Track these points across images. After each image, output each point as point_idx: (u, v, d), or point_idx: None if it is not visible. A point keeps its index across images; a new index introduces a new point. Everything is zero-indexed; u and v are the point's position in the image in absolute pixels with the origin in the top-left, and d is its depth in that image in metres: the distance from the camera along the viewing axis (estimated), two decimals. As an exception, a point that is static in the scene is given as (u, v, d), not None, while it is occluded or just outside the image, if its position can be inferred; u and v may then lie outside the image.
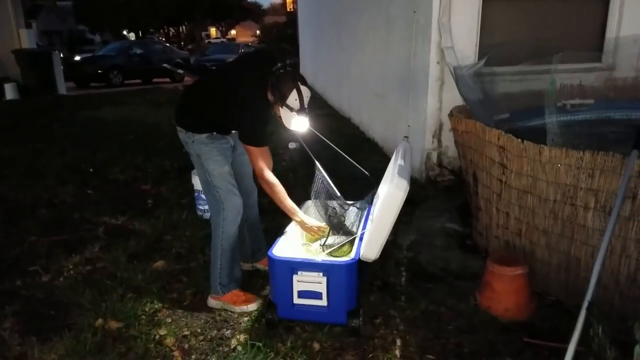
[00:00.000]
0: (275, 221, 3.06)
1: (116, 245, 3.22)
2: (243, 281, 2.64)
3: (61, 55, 12.64)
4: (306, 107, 2.25)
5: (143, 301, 2.58)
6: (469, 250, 3.09)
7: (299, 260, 2.27)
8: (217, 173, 2.40)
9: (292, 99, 2.20)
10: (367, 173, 2.61)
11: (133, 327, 2.36)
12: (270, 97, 2.27)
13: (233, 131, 2.49)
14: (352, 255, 2.24)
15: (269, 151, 2.38)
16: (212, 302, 2.56)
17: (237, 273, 2.59)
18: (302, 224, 2.47)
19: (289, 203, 2.40)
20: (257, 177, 2.37)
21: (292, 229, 2.53)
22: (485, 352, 2.15)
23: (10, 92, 10.33)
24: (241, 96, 2.27)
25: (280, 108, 2.24)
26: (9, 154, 5.51)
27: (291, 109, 2.21)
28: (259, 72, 2.30)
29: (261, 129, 2.32)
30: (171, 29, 35.54)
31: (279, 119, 2.31)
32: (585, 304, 1.76)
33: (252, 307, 2.50)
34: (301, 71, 13.51)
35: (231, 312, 2.49)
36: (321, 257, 2.34)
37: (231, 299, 2.51)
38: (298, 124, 2.27)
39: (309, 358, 2.13)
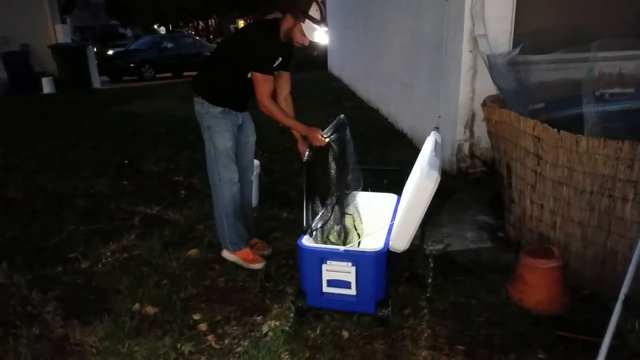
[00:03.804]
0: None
1: (151, 234, 3.32)
2: (268, 269, 2.80)
3: (94, 50, 12.98)
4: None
5: (177, 287, 2.66)
6: (501, 243, 3.05)
7: (328, 249, 2.29)
8: (221, 147, 2.68)
9: (313, 9, 2.44)
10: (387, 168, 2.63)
11: (168, 312, 2.45)
12: (288, 24, 2.49)
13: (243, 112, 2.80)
14: (381, 245, 2.25)
15: (272, 81, 2.58)
16: (226, 254, 2.89)
17: (244, 232, 2.88)
18: (307, 132, 2.56)
19: (288, 120, 2.61)
20: (258, 103, 2.56)
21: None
22: (516, 344, 2.13)
23: (47, 86, 10.68)
24: (247, 36, 2.68)
25: (302, 25, 2.45)
26: (46, 147, 5.71)
27: (313, 20, 2.44)
28: (264, 19, 2.72)
29: (265, 58, 2.53)
30: (200, 22, 35.93)
31: (297, 44, 2.52)
32: (621, 298, 1.72)
33: (258, 266, 2.82)
34: (328, 62, 13.27)
35: (261, 296, 2.55)
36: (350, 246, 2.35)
37: (242, 256, 2.84)
38: (321, 35, 2.50)
39: (338, 345, 2.16)
